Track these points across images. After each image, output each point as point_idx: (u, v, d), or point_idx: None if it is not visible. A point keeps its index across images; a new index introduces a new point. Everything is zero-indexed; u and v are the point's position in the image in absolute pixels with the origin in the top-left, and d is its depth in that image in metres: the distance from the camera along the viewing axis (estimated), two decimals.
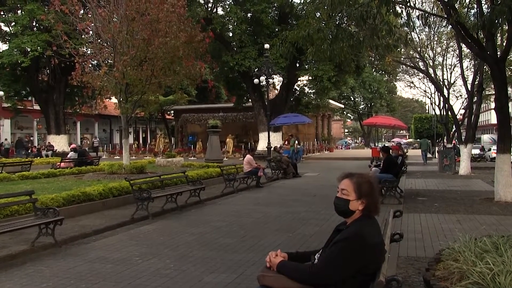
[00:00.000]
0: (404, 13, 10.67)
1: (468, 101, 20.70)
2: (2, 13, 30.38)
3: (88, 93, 18.22)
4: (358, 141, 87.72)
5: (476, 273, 3.59)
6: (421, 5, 19.55)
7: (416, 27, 20.76)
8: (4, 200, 7.71)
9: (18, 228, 6.82)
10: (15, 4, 29.85)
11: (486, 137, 40.07)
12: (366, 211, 2.93)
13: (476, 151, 30.63)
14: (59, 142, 34.16)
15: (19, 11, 30.80)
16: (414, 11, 11.32)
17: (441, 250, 4.69)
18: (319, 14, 12.45)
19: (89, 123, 50.17)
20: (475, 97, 19.80)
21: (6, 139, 37.21)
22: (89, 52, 17.57)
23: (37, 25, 30.74)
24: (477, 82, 19.09)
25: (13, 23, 30.17)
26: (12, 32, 30.10)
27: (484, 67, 17.42)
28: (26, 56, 28.56)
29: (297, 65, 31.43)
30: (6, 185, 13.62)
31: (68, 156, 21.73)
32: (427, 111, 52.73)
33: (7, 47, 30.47)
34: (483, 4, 10.77)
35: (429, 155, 36.24)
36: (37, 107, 37.49)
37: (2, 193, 9.45)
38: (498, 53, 11.55)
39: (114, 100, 19.72)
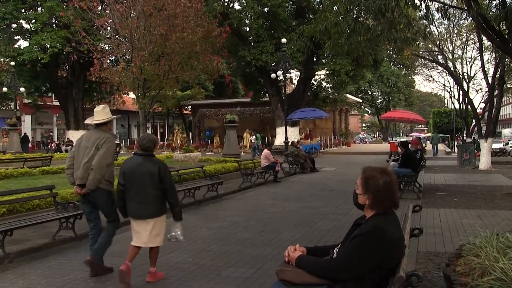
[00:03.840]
0: (423, 6, 10.54)
1: (488, 94, 20.38)
2: (23, 10, 30.80)
3: (107, 88, 18.43)
4: (375, 136, 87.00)
5: (499, 269, 3.53)
6: None
7: (435, 20, 20.46)
8: (26, 195, 7.87)
9: (39, 222, 6.94)
10: (35, 1, 30.25)
11: (507, 131, 39.52)
12: (373, 206, 2.90)
13: (497, 145, 30.17)
14: (78, 138, 34.56)
15: (39, 8, 31.24)
16: (433, 3, 11.16)
17: (462, 246, 4.62)
18: (336, 7, 12.36)
19: None
20: (496, 91, 19.48)
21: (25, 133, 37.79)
22: (107, 48, 17.72)
23: (56, 21, 31.13)
24: (498, 75, 18.76)
25: (33, 20, 30.62)
26: (33, 29, 30.53)
27: (506, 59, 17.11)
28: (46, 53, 29.00)
29: (315, 59, 31.26)
30: (28, 179, 13.86)
31: None
32: (446, 105, 52.08)
33: (28, 44, 30.92)
34: None
35: (448, 150, 35.99)
36: (56, 103, 38.03)
37: (24, 187, 9.64)
38: None
39: (132, 95, 19.92)
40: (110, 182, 5.51)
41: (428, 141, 48.20)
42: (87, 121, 6.06)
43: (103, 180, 5.39)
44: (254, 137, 30.78)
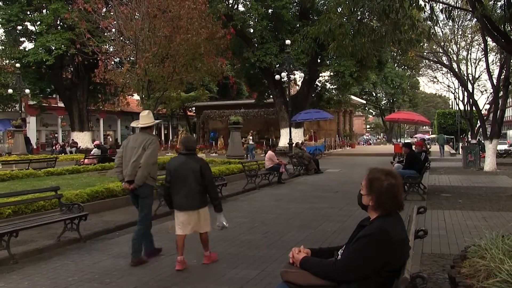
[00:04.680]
0: (427, 7, 10.51)
1: (493, 96, 20.29)
2: (28, 12, 30.95)
3: (111, 90, 18.48)
4: (379, 137, 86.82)
5: (505, 271, 3.51)
6: None
7: (439, 21, 20.43)
8: (31, 196, 7.91)
9: (44, 223, 6.98)
10: (40, 3, 30.37)
11: None
12: (376, 207, 2.90)
13: (502, 147, 30.05)
14: (83, 139, 34.69)
15: (44, 10, 31.34)
16: (437, 4, 11.14)
17: (467, 247, 4.60)
18: (340, 9, 12.35)
19: (112, 120, 50.79)
20: (501, 92, 19.40)
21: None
22: (111, 49, 17.78)
23: (61, 23, 31.23)
24: (503, 76, 18.69)
25: (38, 22, 30.73)
26: (38, 31, 30.65)
27: (511, 60, 17.03)
28: (51, 55, 29.09)
29: (319, 60, 31.23)
30: (33, 181, 13.92)
31: (92, 152, 22.04)
32: (450, 107, 51.96)
33: (33, 46, 31.05)
34: None
35: (452, 151, 35.91)
36: (61, 104, 38.13)
37: (29, 189, 9.68)
38: None
39: (136, 97, 19.97)
40: (154, 179, 6.31)
41: (433, 142, 48.15)
42: (133, 124, 6.90)
43: (149, 177, 6.12)
44: (251, 137, 30.75)
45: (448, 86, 55.21)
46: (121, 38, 15.84)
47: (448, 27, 25.57)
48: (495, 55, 24.34)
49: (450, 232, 7.39)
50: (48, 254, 6.52)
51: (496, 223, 7.97)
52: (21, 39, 33.10)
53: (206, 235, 5.91)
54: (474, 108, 23.68)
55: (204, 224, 5.84)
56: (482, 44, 21.14)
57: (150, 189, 6.23)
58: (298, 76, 38.52)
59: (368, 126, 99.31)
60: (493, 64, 24.49)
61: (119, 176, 6.36)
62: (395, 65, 59.83)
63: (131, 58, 15.85)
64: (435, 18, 11.04)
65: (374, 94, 66.21)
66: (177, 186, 5.72)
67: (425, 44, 22.21)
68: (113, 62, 17.89)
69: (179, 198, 5.71)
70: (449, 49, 24.90)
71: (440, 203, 10.46)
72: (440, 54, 25.93)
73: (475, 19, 12.98)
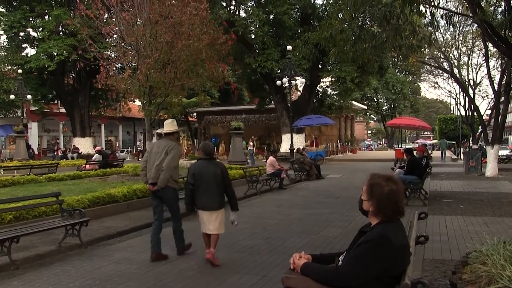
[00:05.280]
0: (428, 13, 10.53)
1: (495, 101, 20.29)
2: (30, 19, 31.08)
3: (113, 96, 18.46)
4: (381, 143, 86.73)
5: (506, 277, 3.51)
6: (446, 4, 19.31)
7: (440, 27, 20.45)
8: (33, 202, 7.91)
9: (46, 229, 6.97)
10: (42, 10, 30.50)
11: None
12: (376, 213, 2.90)
13: (503, 152, 30.00)
14: (84, 145, 34.73)
15: (46, 17, 31.49)
16: (438, 10, 11.16)
17: (468, 253, 4.60)
18: (341, 15, 12.35)
19: (114, 125, 50.86)
20: (502, 97, 19.40)
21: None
22: (113, 55, 17.79)
23: (63, 30, 31.36)
24: (504, 82, 18.70)
25: (40, 29, 30.87)
26: (40, 37, 30.76)
27: None
28: (53, 60, 29.20)
29: (320, 66, 31.28)
30: (34, 186, 13.93)
31: (93, 158, 22.05)
32: (452, 112, 51.94)
33: (35, 52, 31.16)
34: (511, 1, 10.51)
35: (454, 157, 35.87)
36: (63, 110, 38.22)
37: (30, 194, 9.69)
38: None
39: (138, 102, 19.95)
40: (176, 181, 6.82)
41: (436, 147, 48.08)
42: (159, 131, 7.41)
43: (171, 180, 6.63)
44: (251, 143, 30.77)
45: (449, 91, 55.14)
46: (123, 44, 15.86)
47: (449, 32, 25.62)
48: (496, 60, 24.36)
49: (451, 238, 7.37)
50: (49, 260, 6.52)
51: (497, 228, 7.95)
52: (23, 45, 33.25)
53: (218, 236, 6.32)
54: (475, 114, 23.67)
55: (220, 226, 6.28)
56: (483, 50, 21.17)
57: (173, 191, 6.73)
58: (300, 81, 38.57)
59: (369, 132, 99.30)
60: (494, 69, 24.50)
61: (143, 179, 6.96)
62: (396, 71, 59.84)
63: (133, 64, 15.88)
64: (436, 24, 11.05)
65: (376, 100, 66.18)
66: (201, 189, 6.22)
67: (426, 50, 22.24)
68: (114, 68, 17.93)
69: (204, 199, 6.22)
70: (450, 55, 24.93)
71: (442, 209, 10.45)
72: (441, 60, 25.97)
73: (476, 25, 13.00)
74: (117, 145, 43.00)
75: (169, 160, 6.53)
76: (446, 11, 10.89)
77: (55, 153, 35.57)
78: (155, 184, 6.55)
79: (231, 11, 29.60)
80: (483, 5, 11.32)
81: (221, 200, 6.31)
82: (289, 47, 23.50)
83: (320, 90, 35.85)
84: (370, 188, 2.94)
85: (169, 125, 6.97)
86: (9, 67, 32.74)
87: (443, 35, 24.65)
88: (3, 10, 31.85)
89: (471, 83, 26.63)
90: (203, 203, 6.25)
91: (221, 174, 6.27)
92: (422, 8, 10.48)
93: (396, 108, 64.27)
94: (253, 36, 30.35)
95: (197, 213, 6.42)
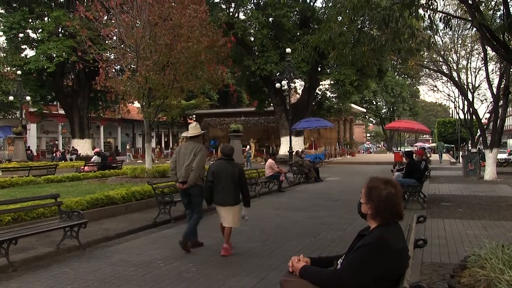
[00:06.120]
0: (427, 16, 10.54)
1: (493, 105, 20.31)
2: (30, 20, 31.08)
3: (112, 97, 18.46)
4: (380, 146, 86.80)
5: (505, 282, 3.51)
6: (444, 8, 19.34)
7: (439, 30, 20.50)
8: (31, 203, 7.90)
9: (44, 231, 6.96)
10: (42, 11, 30.51)
11: None
12: (375, 216, 2.91)
13: (502, 156, 30.02)
14: (83, 146, 34.70)
15: (45, 18, 31.49)
16: (437, 13, 11.18)
17: (467, 257, 4.60)
18: (340, 18, 12.36)
19: (112, 127, 50.85)
20: (501, 101, 19.43)
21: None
22: (112, 57, 17.80)
23: (62, 31, 31.38)
24: (503, 86, 18.72)
25: (40, 30, 30.87)
26: (39, 38, 30.77)
27: (511, 70, 17.07)
28: (52, 62, 29.19)
29: (319, 69, 31.33)
30: (33, 188, 13.91)
31: (92, 160, 22.03)
32: (450, 115, 51.98)
33: (34, 53, 31.16)
34: (510, 6, 10.53)
35: (453, 160, 35.92)
36: (62, 111, 38.22)
37: (28, 196, 9.68)
38: None
39: (137, 104, 19.94)
40: (203, 179, 7.35)
41: (435, 151, 48.14)
42: (184, 134, 8.43)
43: (199, 178, 7.23)
44: (249, 146, 30.78)
45: (448, 95, 55.34)
46: (122, 46, 15.87)
47: (448, 36, 25.66)
48: (494, 64, 24.36)
49: (450, 241, 7.37)
50: (47, 262, 6.50)
51: (496, 232, 7.95)
52: (22, 47, 33.22)
53: (231, 229, 6.83)
54: (474, 117, 23.69)
55: (234, 220, 6.83)
56: (482, 53, 21.19)
57: (200, 188, 7.24)
58: (299, 84, 38.50)
59: (368, 135, 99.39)
60: (493, 73, 24.50)
61: (173, 178, 7.59)
62: (395, 74, 59.97)
63: (132, 66, 15.87)
64: (434, 27, 11.09)
65: (374, 103, 66.30)
66: (220, 186, 6.74)
67: (425, 53, 22.27)
68: (114, 70, 17.92)
69: (221, 196, 6.75)
70: (449, 58, 24.96)
71: (440, 212, 10.45)
72: (440, 63, 25.99)
73: (475, 28, 13.02)
74: (128, 147, 42.95)
75: (198, 161, 7.17)
76: (445, 14, 10.92)
77: (54, 155, 35.60)
78: (185, 182, 7.16)
79: (231, 14, 29.66)
80: (481, 9, 11.33)
81: (236, 197, 6.82)
82: (288, 50, 23.55)
83: (319, 92, 35.91)
84: (369, 191, 2.94)
85: (193, 129, 7.63)
86: (8, 68, 32.73)
87: (442, 39, 24.68)
88: (2, 11, 31.83)
89: (470, 87, 26.66)
90: (220, 200, 6.78)
91: (238, 174, 6.82)
92: (421, 11, 10.49)
93: (395, 111, 64.38)
94: (252, 39, 30.41)
95: (215, 208, 7.04)
